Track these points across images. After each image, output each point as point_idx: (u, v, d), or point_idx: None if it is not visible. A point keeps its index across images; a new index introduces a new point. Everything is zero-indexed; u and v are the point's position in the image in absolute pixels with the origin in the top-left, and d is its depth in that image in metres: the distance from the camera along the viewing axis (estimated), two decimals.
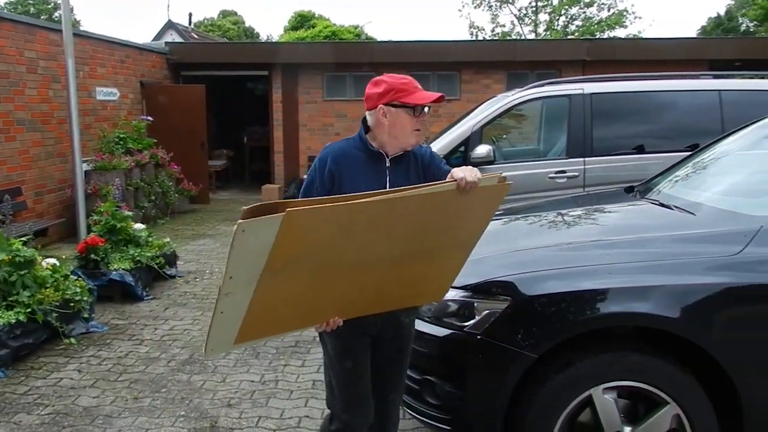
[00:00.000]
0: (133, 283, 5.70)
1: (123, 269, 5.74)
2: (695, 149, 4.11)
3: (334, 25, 29.24)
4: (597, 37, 25.87)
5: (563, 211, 3.56)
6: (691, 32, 41.28)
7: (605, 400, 2.45)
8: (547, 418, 2.46)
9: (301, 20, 32.13)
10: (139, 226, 6.60)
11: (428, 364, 2.70)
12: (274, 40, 32.52)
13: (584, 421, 2.52)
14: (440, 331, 2.67)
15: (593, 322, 2.47)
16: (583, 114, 6.20)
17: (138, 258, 5.98)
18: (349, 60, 12.91)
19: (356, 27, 30.95)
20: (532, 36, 29.12)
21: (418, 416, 2.75)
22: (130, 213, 6.91)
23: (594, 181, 5.98)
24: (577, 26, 29.78)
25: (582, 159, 6.15)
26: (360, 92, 13.01)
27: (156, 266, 6.15)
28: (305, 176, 2.45)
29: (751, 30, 33.15)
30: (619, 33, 29.43)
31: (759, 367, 2.42)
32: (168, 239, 6.81)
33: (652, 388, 2.44)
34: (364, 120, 2.40)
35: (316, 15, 33.29)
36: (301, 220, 1.78)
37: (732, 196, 3.10)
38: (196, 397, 3.81)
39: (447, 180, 2.09)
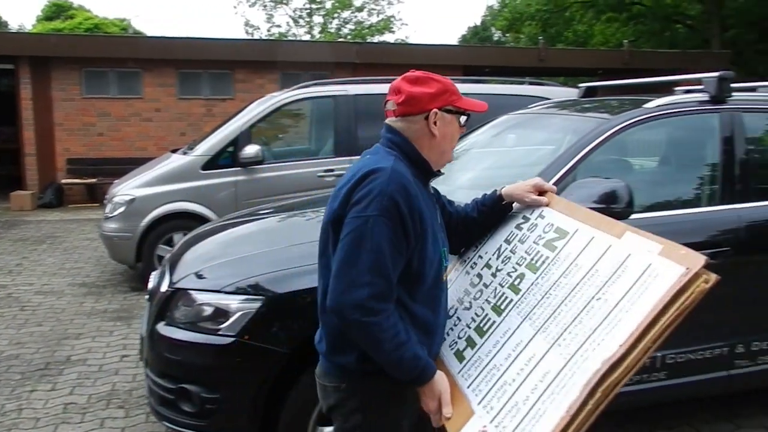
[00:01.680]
0: None
1: None
2: None
3: (97, 17, 27.02)
4: (367, 41, 27.11)
5: (320, 210, 3.66)
6: (454, 40, 45.03)
7: None
8: (302, 412, 2.50)
9: (58, 10, 29.21)
10: None
11: (183, 372, 2.61)
12: (26, 30, 29.14)
13: None
14: (195, 337, 2.59)
15: None
16: (348, 114, 6.46)
17: None
18: (112, 55, 12.02)
19: (123, 20, 28.92)
20: (307, 37, 29.66)
21: (174, 426, 2.65)
22: None
23: None
24: (350, 29, 30.97)
25: (349, 158, 6.40)
26: (126, 90, 12.31)
27: None
28: (360, 225, 1.61)
29: (502, 40, 37.08)
30: (389, 38, 31.19)
31: None
32: None
33: None
34: (393, 131, 1.79)
35: (75, 5, 30.52)
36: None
37: (463, 191, 3.42)
38: None
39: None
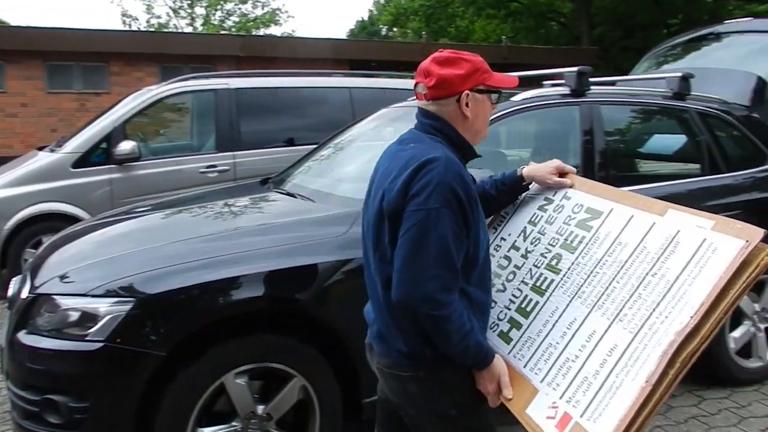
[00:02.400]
0: None
1: None
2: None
3: None
4: (251, 33, 26.60)
5: (200, 205, 3.56)
6: (343, 34, 45.03)
7: (237, 384, 2.53)
8: (180, 414, 2.44)
9: None
10: None
11: (48, 382, 2.46)
12: None
13: (221, 408, 2.58)
14: (60, 344, 2.44)
15: (219, 312, 2.52)
16: (230, 108, 6.31)
17: None
18: None
19: None
20: (189, 29, 28.62)
21: None
22: None
23: (246, 174, 6.12)
24: (234, 22, 30.20)
25: (232, 153, 6.27)
26: None
27: None
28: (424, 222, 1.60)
29: (390, 35, 37.50)
30: (275, 31, 30.73)
31: (363, 330, 2.72)
32: None
33: (280, 366, 2.60)
34: (431, 115, 1.78)
35: None
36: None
37: (345, 183, 3.46)
38: None
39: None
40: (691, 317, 1.48)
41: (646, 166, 4.01)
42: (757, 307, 3.66)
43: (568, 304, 1.77)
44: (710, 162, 3.77)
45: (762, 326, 3.69)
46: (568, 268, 1.84)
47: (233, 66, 12.23)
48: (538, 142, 3.80)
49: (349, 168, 3.81)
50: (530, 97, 3.33)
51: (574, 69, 3.38)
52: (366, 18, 44.26)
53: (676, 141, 4.07)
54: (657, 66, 5.73)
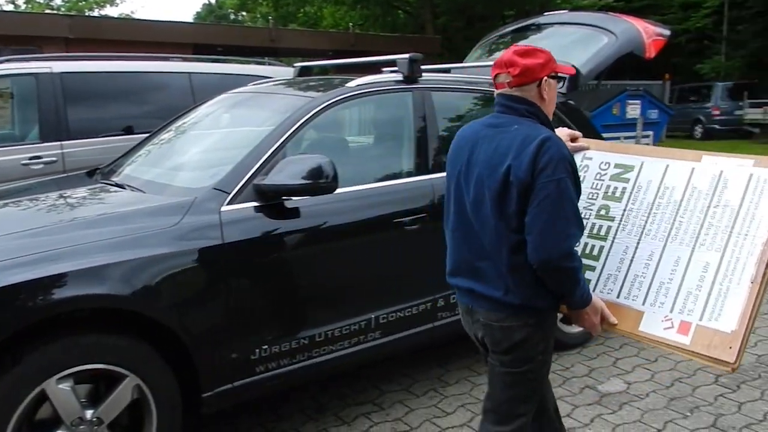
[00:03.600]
0: None
1: None
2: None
3: None
4: (83, 14, 24.70)
5: (17, 199, 3.27)
6: (189, 17, 43.10)
7: (60, 390, 2.36)
8: None
9: None
10: None
11: None
12: None
13: (45, 417, 2.40)
14: None
15: (37, 313, 2.32)
16: (55, 94, 5.82)
17: None
18: None
19: None
20: (10, 7, 26.00)
21: None
22: None
23: (77, 165, 5.66)
24: (63, 1, 27.83)
25: (59, 143, 5.79)
26: None
27: None
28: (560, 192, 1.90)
29: (240, 19, 36.47)
30: (111, 12, 28.75)
31: (200, 323, 2.67)
32: None
33: (110, 366, 2.46)
34: (524, 101, 2.04)
35: None
36: None
37: (179, 172, 3.33)
38: None
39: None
40: None
41: None
42: None
43: (638, 242, 2.07)
44: None
45: None
46: (622, 215, 2.14)
47: (62, 48, 11.30)
48: (375, 128, 3.89)
49: (185, 157, 3.66)
50: (365, 83, 3.38)
51: (406, 56, 3.48)
52: (213, 2, 42.79)
53: None
54: (488, 54, 6.06)
